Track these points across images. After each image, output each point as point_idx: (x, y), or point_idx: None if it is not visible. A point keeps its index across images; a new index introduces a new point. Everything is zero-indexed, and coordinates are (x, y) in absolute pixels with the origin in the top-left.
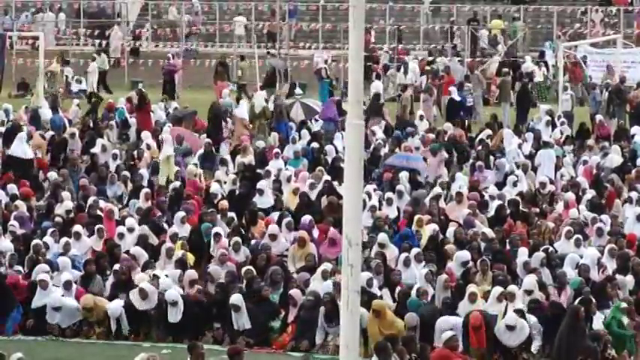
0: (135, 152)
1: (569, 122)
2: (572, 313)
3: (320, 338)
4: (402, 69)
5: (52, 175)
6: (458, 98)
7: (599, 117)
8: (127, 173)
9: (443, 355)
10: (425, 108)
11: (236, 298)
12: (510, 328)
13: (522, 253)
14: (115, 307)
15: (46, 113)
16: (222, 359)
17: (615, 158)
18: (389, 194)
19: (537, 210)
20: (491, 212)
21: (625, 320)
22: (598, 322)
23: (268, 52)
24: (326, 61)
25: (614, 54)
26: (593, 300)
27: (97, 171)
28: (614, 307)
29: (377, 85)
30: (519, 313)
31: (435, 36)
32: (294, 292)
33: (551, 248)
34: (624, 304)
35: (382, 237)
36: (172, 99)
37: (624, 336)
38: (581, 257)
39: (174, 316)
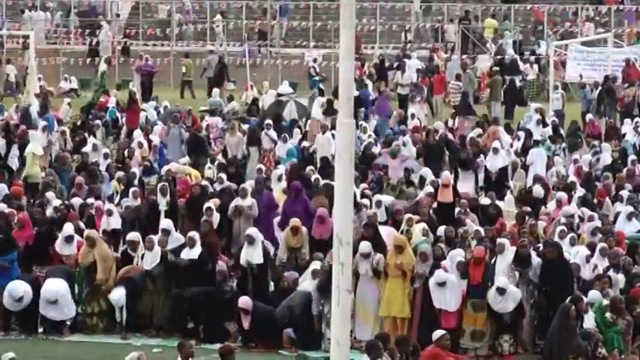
0: (126, 151)
1: (561, 121)
2: (563, 311)
3: (316, 309)
4: (401, 68)
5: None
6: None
7: (589, 116)
8: (121, 173)
9: (434, 353)
10: (416, 107)
11: (244, 302)
12: (501, 291)
13: (512, 252)
14: (119, 297)
15: (36, 112)
16: (213, 358)
17: (607, 157)
18: (377, 197)
19: (528, 209)
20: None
21: (608, 315)
22: (589, 320)
23: (259, 50)
24: (315, 60)
25: (605, 52)
26: (584, 299)
27: (87, 170)
28: (595, 308)
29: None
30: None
31: (426, 35)
32: (243, 301)
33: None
34: (606, 301)
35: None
36: (147, 101)
37: (611, 332)
38: (570, 254)
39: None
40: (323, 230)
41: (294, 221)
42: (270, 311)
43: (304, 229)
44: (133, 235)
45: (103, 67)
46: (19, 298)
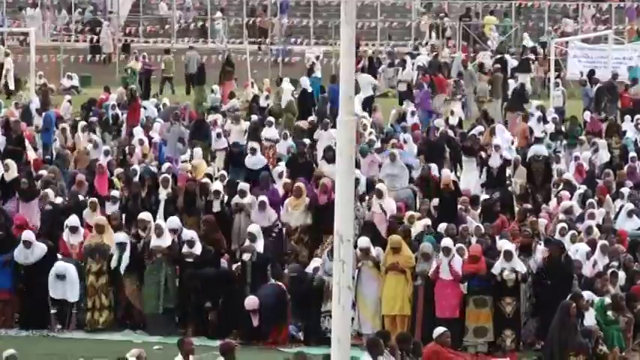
0: (126, 148)
1: (561, 118)
2: (564, 308)
3: (325, 277)
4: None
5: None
6: (310, 89)
7: (587, 113)
8: (120, 170)
9: (435, 351)
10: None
11: (251, 303)
12: (508, 256)
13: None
14: (123, 237)
15: (35, 109)
16: (214, 355)
17: (604, 154)
18: (379, 186)
19: (529, 206)
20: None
21: (610, 313)
22: (590, 317)
23: (259, 47)
24: (318, 57)
25: (606, 50)
26: (585, 296)
27: (88, 167)
28: (597, 305)
29: (366, 78)
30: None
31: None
32: (249, 302)
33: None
34: (608, 300)
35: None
36: (146, 99)
37: (611, 330)
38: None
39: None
40: (325, 199)
41: (299, 185)
42: (276, 295)
43: (307, 198)
44: (145, 215)
45: (131, 64)
46: (29, 243)
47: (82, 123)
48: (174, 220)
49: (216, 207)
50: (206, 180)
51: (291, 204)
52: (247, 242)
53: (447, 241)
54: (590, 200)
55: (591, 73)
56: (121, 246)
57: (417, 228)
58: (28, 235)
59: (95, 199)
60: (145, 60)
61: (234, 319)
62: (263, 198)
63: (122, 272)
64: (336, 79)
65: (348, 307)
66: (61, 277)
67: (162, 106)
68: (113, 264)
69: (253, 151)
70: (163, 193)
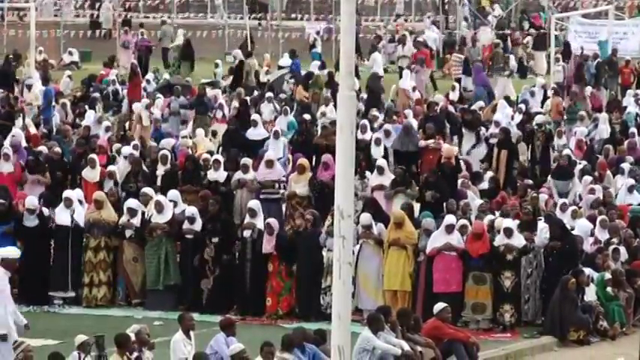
0: (127, 124)
1: (562, 94)
2: (563, 283)
3: (325, 251)
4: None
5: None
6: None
7: (589, 88)
8: (118, 145)
9: (435, 326)
10: (417, 79)
11: (272, 220)
12: (508, 233)
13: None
14: (133, 203)
15: (36, 85)
16: (214, 331)
17: (603, 129)
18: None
19: (530, 182)
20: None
21: (609, 289)
22: (590, 293)
23: (259, 23)
24: (318, 33)
25: (606, 25)
26: (586, 271)
27: (89, 142)
28: (597, 281)
29: (376, 57)
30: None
31: (427, 7)
32: (271, 220)
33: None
34: (608, 275)
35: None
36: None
37: (612, 305)
38: (573, 229)
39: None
40: (327, 175)
41: (302, 161)
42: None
43: (309, 174)
44: (147, 189)
45: (176, 42)
46: (32, 211)
47: (145, 100)
48: (174, 193)
49: (217, 176)
50: (206, 156)
51: (294, 180)
52: (247, 218)
53: (450, 218)
54: (588, 176)
55: (566, 45)
56: (131, 211)
57: None
58: (31, 201)
59: (94, 156)
60: (142, 37)
61: (233, 294)
62: (270, 156)
63: (127, 236)
64: (296, 52)
65: (348, 283)
66: (68, 202)
67: (163, 81)
68: (125, 219)
69: (255, 123)
70: (161, 169)
